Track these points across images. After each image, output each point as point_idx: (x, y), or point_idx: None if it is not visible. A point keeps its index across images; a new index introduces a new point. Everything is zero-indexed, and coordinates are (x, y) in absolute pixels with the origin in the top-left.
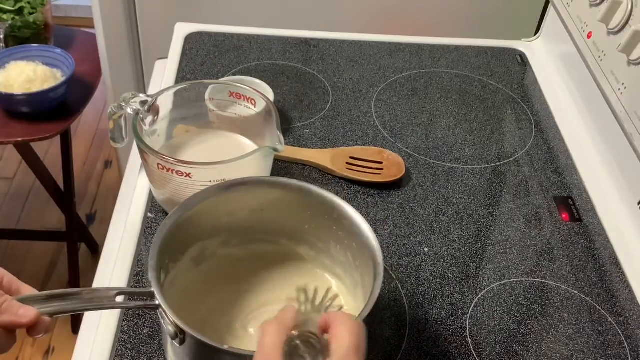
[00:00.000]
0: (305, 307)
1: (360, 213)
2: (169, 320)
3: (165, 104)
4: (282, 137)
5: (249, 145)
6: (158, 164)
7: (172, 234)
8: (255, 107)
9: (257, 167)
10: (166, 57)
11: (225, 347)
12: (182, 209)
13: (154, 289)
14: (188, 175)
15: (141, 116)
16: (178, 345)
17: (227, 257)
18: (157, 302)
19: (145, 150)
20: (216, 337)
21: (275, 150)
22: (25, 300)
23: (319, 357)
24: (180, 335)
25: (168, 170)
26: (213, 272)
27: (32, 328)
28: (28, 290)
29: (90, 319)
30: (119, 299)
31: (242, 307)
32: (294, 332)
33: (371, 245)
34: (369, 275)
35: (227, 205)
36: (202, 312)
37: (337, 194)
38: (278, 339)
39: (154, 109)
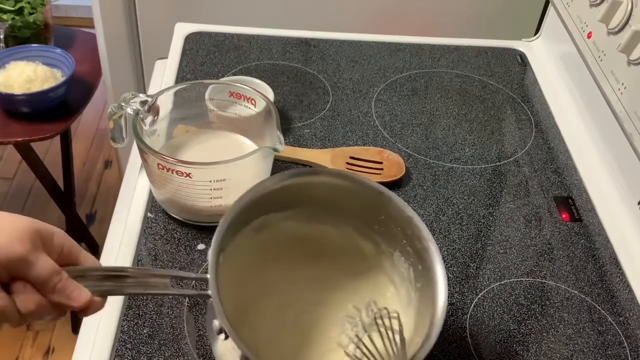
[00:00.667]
0: (361, 320)
1: None
2: (217, 317)
3: (165, 104)
4: (282, 137)
5: (249, 145)
6: (158, 164)
7: (239, 214)
8: (255, 107)
9: (257, 167)
10: (166, 57)
11: None
12: (259, 188)
13: (210, 276)
14: (188, 175)
15: (141, 116)
16: (223, 340)
17: (288, 230)
18: (209, 292)
19: (145, 150)
20: (262, 324)
21: (275, 150)
22: (81, 277)
23: None
24: (225, 333)
25: (168, 170)
26: (271, 242)
27: (82, 310)
28: (87, 260)
29: (90, 318)
30: None
31: (295, 293)
32: None
33: (438, 285)
34: (426, 305)
35: (305, 190)
36: (254, 289)
37: None
38: None
39: (154, 109)
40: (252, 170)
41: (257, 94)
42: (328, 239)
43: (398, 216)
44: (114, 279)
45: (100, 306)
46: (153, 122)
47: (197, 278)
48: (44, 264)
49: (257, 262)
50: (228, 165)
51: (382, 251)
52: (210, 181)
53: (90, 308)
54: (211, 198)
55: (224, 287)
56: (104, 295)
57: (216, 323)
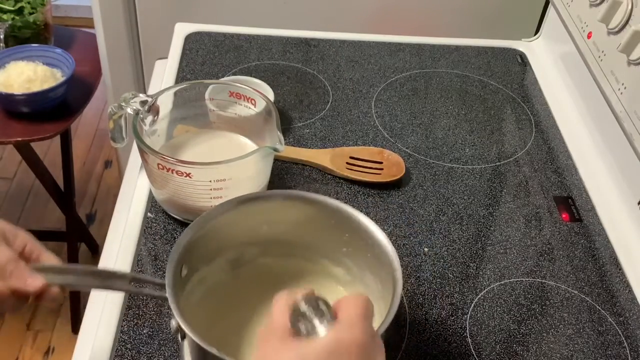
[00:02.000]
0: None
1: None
2: (172, 313)
3: (165, 104)
4: (282, 137)
5: (249, 145)
6: (158, 164)
7: (204, 236)
8: (255, 107)
9: (257, 167)
10: (166, 57)
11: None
12: (217, 211)
13: (167, 281)
14: (188, 175)
15: (141, 116)
16: (180, 340)
17: (265, 268)
18: (166, 294)
19: (145, 150)
20: (237, 353)
21: (275, 150)
22: (39, 270)
23: (325, 320)
24: (181, 330)
25: (168, 170)
26: (248, 279)
27: (39, 296)
28: (48, 259)
29: (90, 318)
30: None
31: None
32: (303, 297)
33: (390, 257)
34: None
35: (266, 215)
36: (228, 323)
37: (337, 194)
38: (286, 304)
39: (154, 109)
40: (252, 170)
41: (257, 94)
42: (304, 273)
43: (357, 228)
44: (73, 274)
45: (58, 297)
46: (153, 122)
47: (156, 282)
48: (2, 252)
49: (232, 298)
50: (228, 165)
51: (355, 275)
52: (210, 181)
53: (46, 295)
54: (211, 198)
55: (197, 319)
56: (61, 287)
57: (173, 323)
